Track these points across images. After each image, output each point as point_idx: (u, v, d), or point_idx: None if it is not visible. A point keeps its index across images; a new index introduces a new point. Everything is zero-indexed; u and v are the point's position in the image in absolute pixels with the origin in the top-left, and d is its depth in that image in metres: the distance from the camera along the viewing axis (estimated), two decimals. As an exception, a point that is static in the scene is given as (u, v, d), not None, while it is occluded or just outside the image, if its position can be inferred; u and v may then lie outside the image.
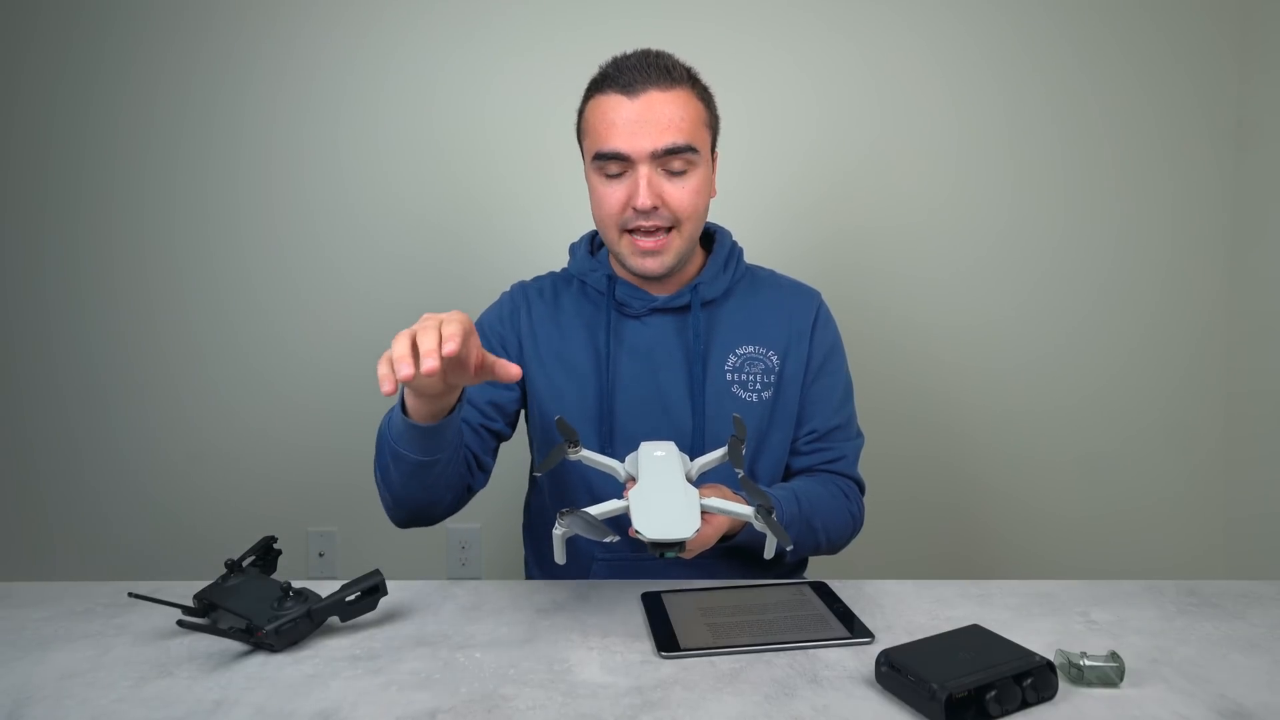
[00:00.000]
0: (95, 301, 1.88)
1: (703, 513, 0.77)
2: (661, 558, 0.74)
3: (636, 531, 0.73)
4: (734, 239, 1.16)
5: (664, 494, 0.77)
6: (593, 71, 1.04)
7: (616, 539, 0.73)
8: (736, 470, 0.84)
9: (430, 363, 0.72)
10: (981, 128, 1.86)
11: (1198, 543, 1.93)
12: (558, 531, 0.78)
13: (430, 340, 0.73)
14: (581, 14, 1.82)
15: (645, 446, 0.86)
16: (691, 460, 0.90)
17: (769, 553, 0.83)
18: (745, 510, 0.79)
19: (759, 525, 0.77)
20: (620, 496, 0.81)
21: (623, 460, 0.89)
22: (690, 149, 0.99)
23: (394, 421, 0.89)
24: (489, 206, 1.86)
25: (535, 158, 1.84)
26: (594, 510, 0.77)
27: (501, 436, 1.11)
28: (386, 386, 0.72)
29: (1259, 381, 1.83)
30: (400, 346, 0.73)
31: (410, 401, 0.86)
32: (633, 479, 0.84)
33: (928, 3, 1.84)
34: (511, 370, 0.81)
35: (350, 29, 1.83)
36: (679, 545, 0.73)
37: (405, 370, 0.72)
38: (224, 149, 1.85)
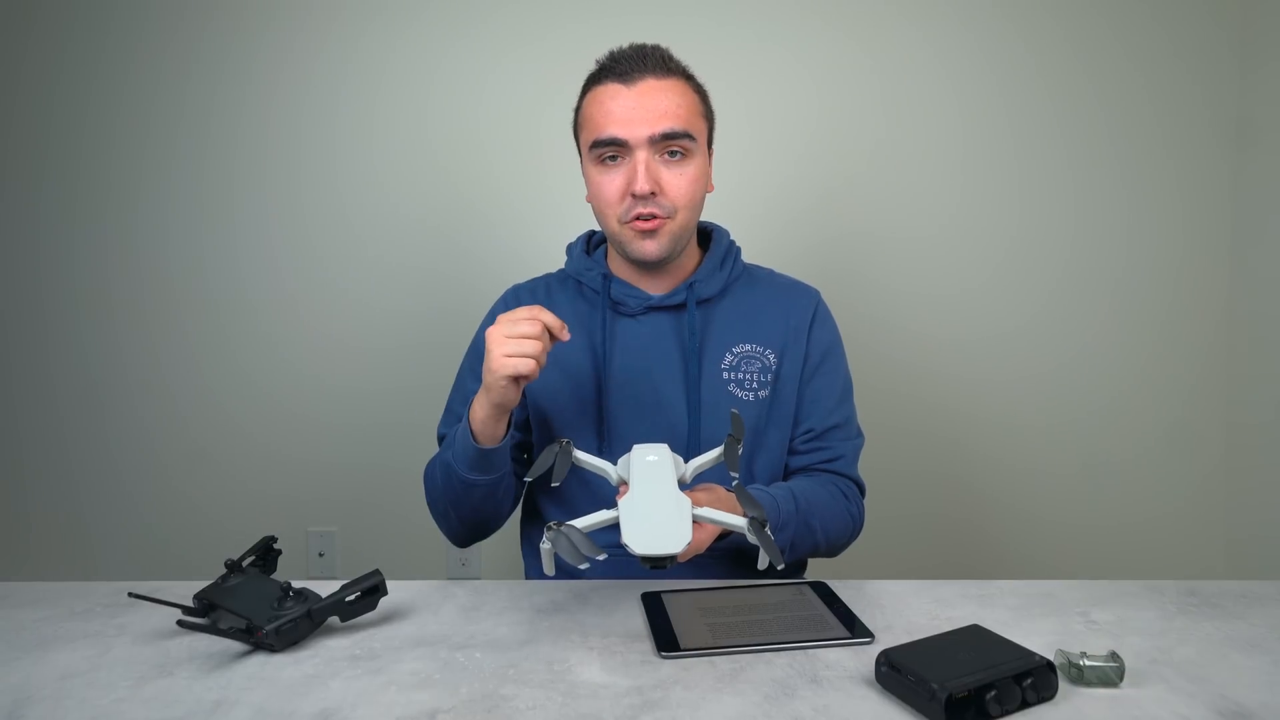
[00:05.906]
0: (93, 303, 1.88)
1: (694, 520, 0.77)
2: (653, 569, 0.73)
3: (625, 544, 0.72)
4: (731, 238, 1.15)
5: (655, 504, 0.76)
6: (588, 70, 1.05)
7: (602, 557, 0.73)
8: (732, 474, 0.84)
9: (566, 334, 0.92)
10: (981, 127, 1.86)
11: (1199, 552, 1.92)
12: (545, 545, 0.77)
13: (539, 328, 0.90)
14: (576, 12, 1.82)
15: (638, 450, 0.84)
16: (686, 461, 0.89)
17: (762, 564, 0.82)
18: (739, 521, 0.78)
19: (752, 538, 0.77)
20: (614, 496, 0.80)
21: (615, 462, 0.88)
22: (687, 135, 0.99)
23: (466, 454, 0.97)
24: (483, 209, 1.87)
25: (530, 160, 1.85)
26: (583, 523, 0.77)
27: (525, 447, 1.14)
28: (567, 334, 0.92)
29: (1260, 384, 1.82)
30: (535, 327, 0.89)
31: (484, 429, 0.96)
32: (625, 483, 0.83)
33: (930, 3, 1.84)
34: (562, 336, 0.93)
35: (344, 33, 1.83)
36: (670, 558, 0.73)
37: (567, 334, 0.92)
38: (220, 151, 1.86)
